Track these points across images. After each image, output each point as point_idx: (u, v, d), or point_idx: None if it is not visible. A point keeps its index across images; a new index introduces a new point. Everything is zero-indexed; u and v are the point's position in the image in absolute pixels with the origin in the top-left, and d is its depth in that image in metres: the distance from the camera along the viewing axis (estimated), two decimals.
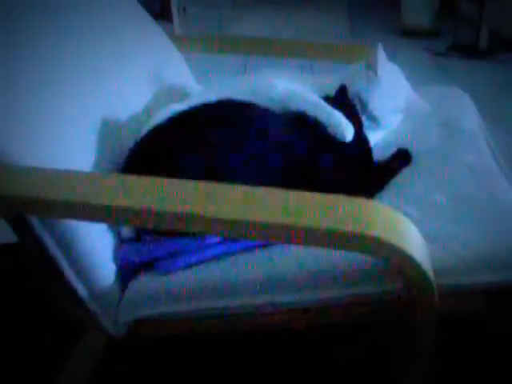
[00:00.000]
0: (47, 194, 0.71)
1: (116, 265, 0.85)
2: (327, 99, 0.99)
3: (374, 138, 1.03)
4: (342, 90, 1.01)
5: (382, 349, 1.10)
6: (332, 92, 1.02)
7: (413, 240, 0.67)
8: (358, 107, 1.00)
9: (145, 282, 0.84)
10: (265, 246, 0.84)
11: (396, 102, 1.04)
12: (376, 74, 1.01)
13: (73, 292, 0.82)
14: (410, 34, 3.33)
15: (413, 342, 0.78)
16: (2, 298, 1.29)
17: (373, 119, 1.01)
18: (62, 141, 0.83)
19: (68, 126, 0.85)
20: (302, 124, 0.94)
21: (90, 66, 0.97)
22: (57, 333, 1.17)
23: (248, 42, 1.48)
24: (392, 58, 1.09)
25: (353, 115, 0.97)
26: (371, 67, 1.02)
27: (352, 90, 1.01)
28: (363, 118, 1.00)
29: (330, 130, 0.93)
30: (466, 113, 1.18)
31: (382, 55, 1.02)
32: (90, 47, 0.99)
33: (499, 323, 1.10)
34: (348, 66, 1.09)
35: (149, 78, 1.15)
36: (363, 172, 0.95)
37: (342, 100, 1.01)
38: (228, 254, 0.83)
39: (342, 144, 0.92)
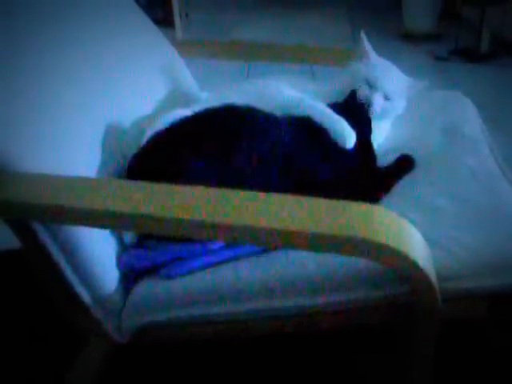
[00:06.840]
0: (51, 200, 0.71)
1: (119, 271, 0.85)
2: (335, 105, 0.99)
3: (387, 126, 1.08)
4: (352, 96, 1.02)
5: (384, 351, 1.10)
6: (340, 98, 1.03)
7: (416, 244, 0.67)
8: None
9: (148, 288, 0.84)
10: (269, 250, 0.84)
11: (398, 83, 1.06)
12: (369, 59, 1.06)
13: (76, 298, 0.82)
14: (411, 37, 3.33)
15: (414, 345, 0.78)
16: (5, 304, 1.29)
17: (386, 98, 1.03)
18: (64, 147, 0.83)
19: (70, 133, 0.85)
20: (307, 130, 0.94)
21: (92, 72, 0.97)
22: (60, 339, 1.17)
23: (250, 47, 1.49)
24: (394, 61, 1.10)
25: (361, 119, 0.98)
26: (363, 56, 1.07)
27: (356, 84, 1.03)
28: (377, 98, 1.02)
29: (332, 135, 0.93)
30: (468, 117, 1.18)
31: (367, 43, 1.07)
32: (92, 52, 1.00)
33: (500, 327, 1.10)
34: (345, 70, 1.10)
35: (151, 84, 1.16)
36: (366, 177, 0.95)
37: (351, 105, 1.01)
38: (232, 259, 0.84)
39: (344, 150, 0.93)
